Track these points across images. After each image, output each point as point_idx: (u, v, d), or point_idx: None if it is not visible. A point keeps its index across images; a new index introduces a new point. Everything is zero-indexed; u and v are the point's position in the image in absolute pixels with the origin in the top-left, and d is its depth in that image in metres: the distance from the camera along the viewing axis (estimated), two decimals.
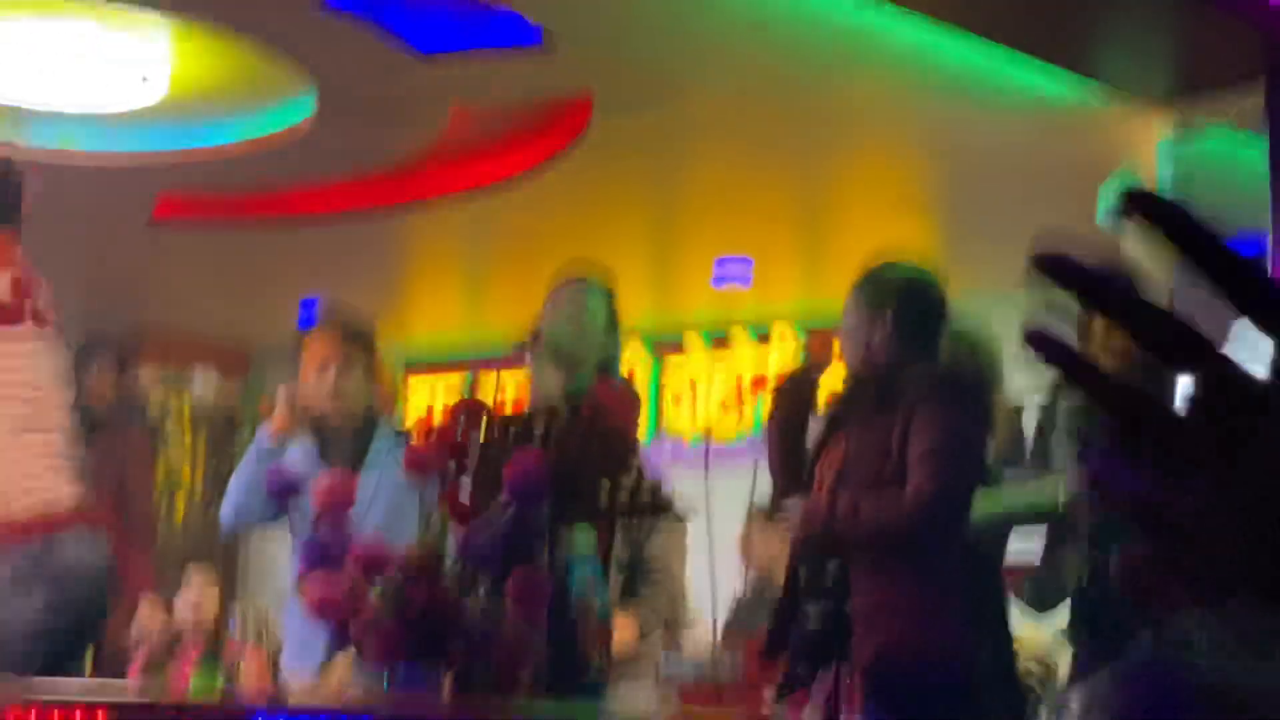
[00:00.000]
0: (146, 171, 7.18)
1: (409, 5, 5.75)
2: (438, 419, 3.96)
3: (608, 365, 4.50)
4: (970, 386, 4.10)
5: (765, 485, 4.36)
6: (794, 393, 4.37)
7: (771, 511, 4.23)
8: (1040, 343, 0.65)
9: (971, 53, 5.41)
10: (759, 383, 8.85)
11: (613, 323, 4.53)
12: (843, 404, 4.14)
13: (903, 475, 3.89)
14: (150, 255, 8.34)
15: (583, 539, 4.10)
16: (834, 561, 3.98)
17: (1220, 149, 5.38)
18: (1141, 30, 5.13)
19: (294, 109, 6.59)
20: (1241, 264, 0.63)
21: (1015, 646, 4.37)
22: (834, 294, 4.87)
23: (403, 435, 4.59)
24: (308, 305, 8.50)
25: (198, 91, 6.48)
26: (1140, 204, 0.64)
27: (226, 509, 4.68)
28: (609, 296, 4.57)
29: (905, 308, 4.03)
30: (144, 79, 6.36)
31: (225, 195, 7.67)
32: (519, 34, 5.71)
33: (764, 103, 6.26)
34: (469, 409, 3.67)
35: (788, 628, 4.08)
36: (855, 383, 4.12)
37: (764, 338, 9.05)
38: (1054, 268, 0.65)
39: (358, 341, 4.74)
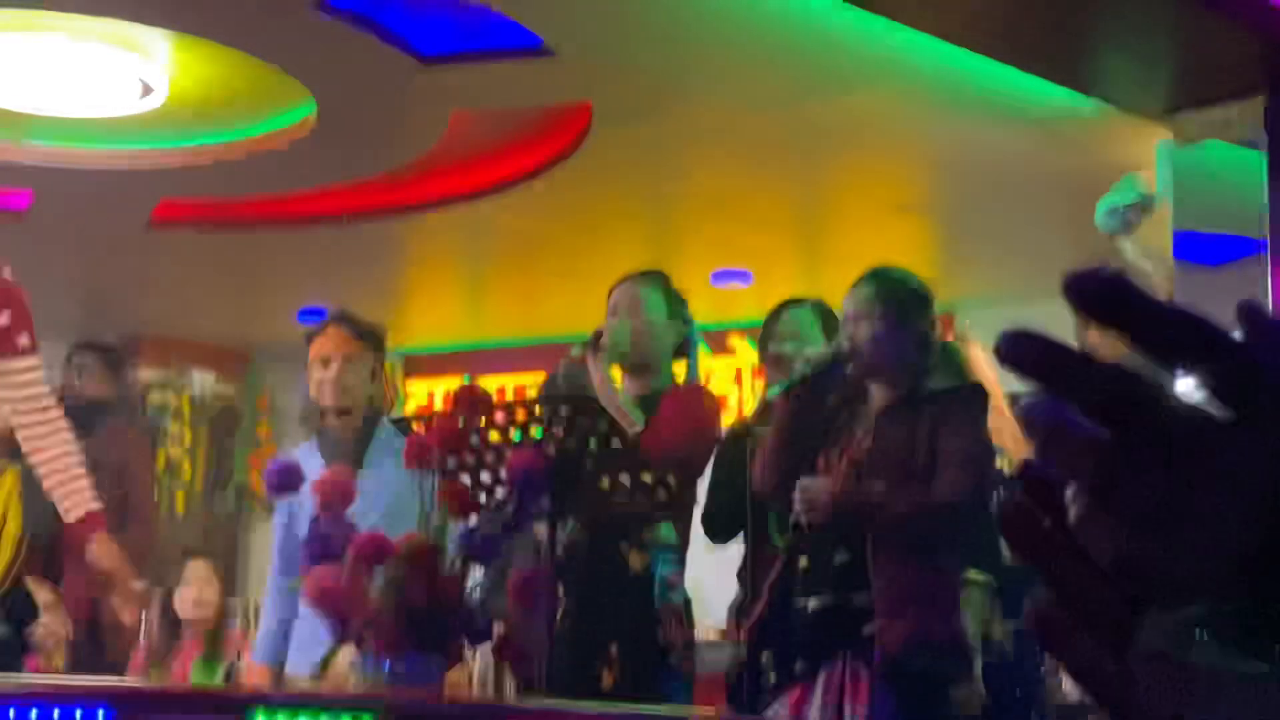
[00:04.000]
0: (146, 175, 7.18)
1: (408, 6, 5.75)
2: (439, 411, 3.96)
3: (681, 361, 4.48)
4: (986, 396, 4.21)
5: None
6: (814, 385, 4.39)
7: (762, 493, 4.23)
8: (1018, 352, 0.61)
9: (969, 64, 5.42)
10: (760, 373, 8.87)
11: (675, 316, 4.50)
12: (849, 400, 4.20)
13: (930, 471, 3.97)
14: (149, 258, 8.34)
15: (665, 536, 4.11)
16: (841, 552, 4.00)
17: (1218, 159, 5.39)
18: (1138, 45, 5.14)
19: (294, 115, 6.59)
20: (1190, 327, 0.60)
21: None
22: (833, 303, 4.90)
23: (403, 424, 4.59)
24: (307, 314, 8.51)
25: (198, 97, 6.48)
26: (1082, 294, 0.60)
27: (265, 644, 4.64)
28: (667, 289, 4.54)
29: (898, 310, 4.13)
30: (145, 87, 6.37)
31: (225, 199, 7.67)
32: (519, 35, 5.72)
33: (763, 113, 6.27)
34: (471, 398, 3.65)
35: (776, 622, 4.09)
36: (860, 380, 4.18)
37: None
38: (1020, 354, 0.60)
39: (364, 340, 4.74)
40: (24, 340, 4.71)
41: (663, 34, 5.72)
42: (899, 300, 4.16)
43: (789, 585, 4.10)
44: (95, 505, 4.65)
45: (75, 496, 4.62)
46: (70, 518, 4.63)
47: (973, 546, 4.16)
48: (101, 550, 4.65)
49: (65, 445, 4.69)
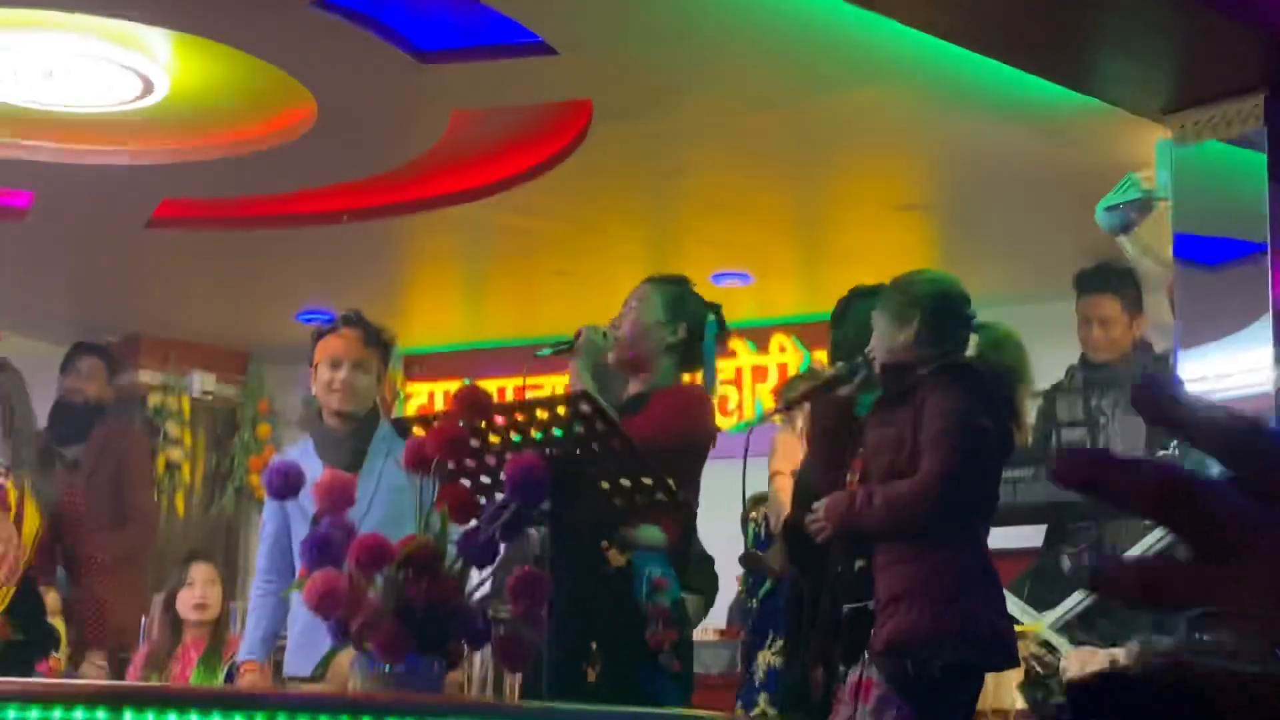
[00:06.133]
0: (146, 174, 7.17)
1: (408, 3, 5.75)
2: (439, 413, 3.95)
3: (682, 362, 4.46)
4: (979, 373, 4.11)
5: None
6: (831, 408, 4.38)
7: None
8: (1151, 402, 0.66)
9: (969, 62, 5.41)
10: (760, 374, 8.88)
11: (673, 319, 4.47)
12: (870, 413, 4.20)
13: (916, 462, 3.93)
14: (150, 258, 8.33)
15: (649, 537, 4.09)
16: (860, 559, 4.02)
17: (1218, 158, 5.39)
18: (1138, 44, 5.14)
19: (294, 114, 6.58)
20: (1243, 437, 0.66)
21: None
22: (833, 302, 4.90)
23: (403, 425, 4.58)
24: (307, 314, 8.50)
25: (198, 96, 6.48)
26: (1148, 407, 0.67)
27: (253, 642, 4.61)
28: (674, 292, 4.52)
29: (932, 315, 4.08)
30: (145, 86, 6.37)
31: (224, 198, 7.66)
32: (519, 33, 5.71)
33: (764, 111, 6.26)
34: (472, 400, 3.65)
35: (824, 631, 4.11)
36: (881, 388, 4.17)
37: (762, 345, 9.05)
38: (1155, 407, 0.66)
39: (374, 344, 4.75)
40: None
41: (663, 32, 5.72)
42: (932, 309, 4.11)
43: (834, 594, 4.13)
44: None
45: None
46: None
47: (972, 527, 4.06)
48: None
49: None
